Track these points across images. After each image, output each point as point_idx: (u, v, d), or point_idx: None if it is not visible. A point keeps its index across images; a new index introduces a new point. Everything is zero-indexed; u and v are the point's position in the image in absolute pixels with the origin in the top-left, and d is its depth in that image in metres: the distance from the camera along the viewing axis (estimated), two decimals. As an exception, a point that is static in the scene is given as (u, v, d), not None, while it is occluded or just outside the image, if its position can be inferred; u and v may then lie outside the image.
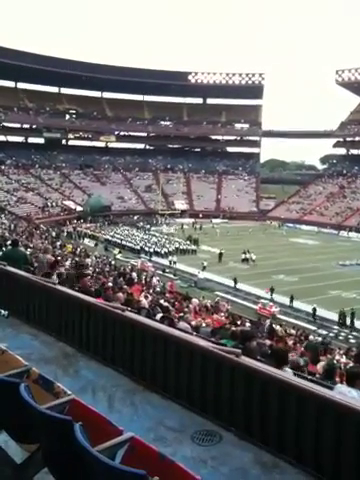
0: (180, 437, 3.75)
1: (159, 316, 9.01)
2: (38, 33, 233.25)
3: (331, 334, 24.85)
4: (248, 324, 20.11)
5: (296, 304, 29.07)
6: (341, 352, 18.37)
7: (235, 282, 33.45)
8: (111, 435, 2.57)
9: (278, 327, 21.83)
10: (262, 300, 29.30)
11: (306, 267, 38.30)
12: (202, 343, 4.46)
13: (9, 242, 26.45)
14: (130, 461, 2.38)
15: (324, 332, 24.80)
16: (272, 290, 30.91)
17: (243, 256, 41.40)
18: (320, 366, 9.38)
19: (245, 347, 5.40)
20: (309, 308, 28.02)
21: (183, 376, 4.43)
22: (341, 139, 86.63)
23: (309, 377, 6.91)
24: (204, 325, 12.00)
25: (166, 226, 64.15)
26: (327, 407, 3.44)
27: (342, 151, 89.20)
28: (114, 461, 2.38)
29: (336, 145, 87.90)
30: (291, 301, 29.34)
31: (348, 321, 26.29)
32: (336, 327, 26.08)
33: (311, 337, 20.86)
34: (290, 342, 16.78)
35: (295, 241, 55.14)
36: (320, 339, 20.92)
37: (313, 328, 25.29)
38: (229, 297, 30.34)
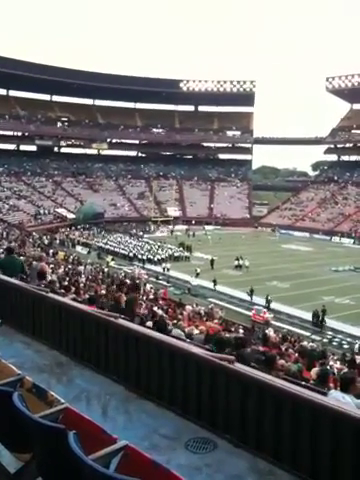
0: (174, 445, 3.74)
1: (150, 323, 8.99)
2: (30, 41, 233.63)
3: (325, 340, 24.87)
4: (242, 331, 20.11)
5: (290, 310, 29.11)
6: (335, 358, 18.40)
7: (214, 284, 34.08)
8: (105, 443, 2.56)
9: (272, 333, 21.83)
10: (256, 306, 29.32)
11: (299, 273, 38.41)
12: (196, 350, 4.46)
13: (1, 250, 26.37)
14: (124, 469, 2.37)
15: (318, 338, 24.82)
16: (252, 291, 31.49)
17: (236, 263, 41.48)
18: (314, 372, 9.38)
19: (239, 354, 5.40)
20: (304, 314, 28.12)
21: (177, 383, 4.42)
22: (332, 146, 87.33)
23: (303, 383, 6.90)
24: (197, 332, 11.97)
25: (160, 233, 64.26)
26: (322, 413, 3.44)
27: (333, 157, 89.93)
28: (109, 469, 2.37)
29: (327, 152, 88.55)
30: (267, 302, 30.15)
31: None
32: (330, 333, 26.11)
33: (305, 343, 20.87)
34: (284, 348, 16.77)
35: (288, 247, 55.32)
36: (314, 345, 20.93)
37: (307, 334, 25.31)
38: (223, 304, 30.32)
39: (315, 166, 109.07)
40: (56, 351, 5.71)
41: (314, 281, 35.82)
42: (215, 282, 34.11)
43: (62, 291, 10.06)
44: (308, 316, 28.01)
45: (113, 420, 4.02)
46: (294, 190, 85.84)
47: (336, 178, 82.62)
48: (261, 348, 12.65)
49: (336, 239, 63.05)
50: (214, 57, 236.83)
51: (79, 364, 5.35)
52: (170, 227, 67.63)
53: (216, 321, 21.73)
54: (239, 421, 3.93)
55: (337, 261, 44.00)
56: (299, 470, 3.48)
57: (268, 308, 29.68)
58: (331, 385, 7.88)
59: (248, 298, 31.73)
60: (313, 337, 24.75)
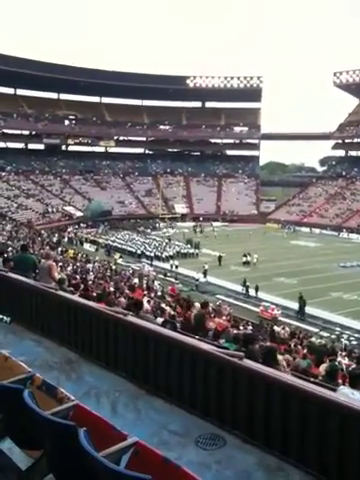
0: (184, 441, 3.75)
1: (160, 320, 9.01)
2: (36, 40, 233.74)
3: (333, 336, 24.79)
4: (250, 327, 20.09)
5: (297, 306, 29.03)
6: (343, 354, 18.33)
7: (205, 275, 35.61)
8: (115, 440, 2.58)
9: (280, 329, 21.79)
10: (263, 303, 29.27)
11: (307, 269, 38.25)
12: (205, 347, 4.47)
13: (10, 249, 26.53)
14: (135, 466, 2.38)
15: (326, 334, 24.75)
16: (245, 282, 32.44)
17: (244, 259, 41.41)
18: (322, 368, 9.35)
19: (248, 350, 5.41)
20: (310, 310, 28.07)
21: (186, 380, 4.43)
22: (340, 141, 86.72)
23: (312, 379, 6.89)
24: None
25: (171, 229, 64.44)
26: (331, 409, 3.44)
27: (341, 153, 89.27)
28: (119, 466, 2.38)
29: (335, 147, 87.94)
30: (256, 291, 31.50)
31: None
32: (338, 328, 26.03)
33: (313, 339, 20.83)
34: (292, 344, 16.74)
35: (295, 243, 55.11)
36: (323, 341, 20.87)
37: (315, 330, 25.24)
38: (231, 300, 30.30)
39: (323, 161, 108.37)
40: (66, 348, 5.75)
41: (322, 277, 35.66)
42: (205, 274, 35.78)
43: (71, 289, 10.11)
44: (316, 312, 27.95)
45: (122, 417, 4.05)
46: (302, 186, 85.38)
47: (344, 173, 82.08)
48: (269, 344, 12.61)
49: (344, 235, 62.69)
50: (221, 53, 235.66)
51: (88, 361, 5.38)
52: (178, 224, 67.55)
53: (224, 318, 21.71)
54: (248, 417, 3.94)
55: (345, 257, 43.74)
56: (308, 466, 3.49)
57: (247, 295, 31.91)
58: (340, 381, 7.86)
59: (242, 290, 32.97)
60: (321, 333, 24.67)
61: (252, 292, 32.13)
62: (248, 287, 32.48)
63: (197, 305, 21.91)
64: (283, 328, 22.39)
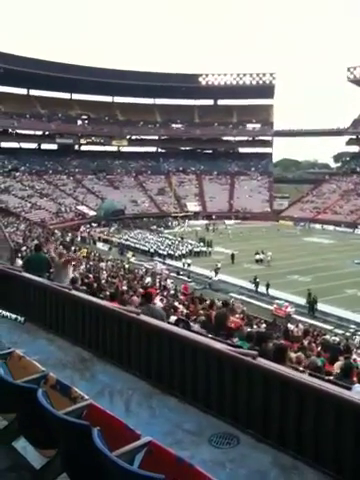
0: (198, 440, 3.75)
1: (173, 318, 9.02)
2: (48, 40, 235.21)
3: (347, 333, 24.60)
4: (263, 325, 20.01)
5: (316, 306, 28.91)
6: (359, 351, 18.17)
7: (216, 273, 35.54)
8: (129, 439, 2.58)
9: (293, 327, 21.68)
10: (277, 301, 29.14)
11: (321, 266, 38.02)
12: (218, 346, 4.45)
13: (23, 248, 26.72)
14: (148, 465, 2.38)
15: (340, 331, 24.56)
16: (255, 278, 32.66)
17: (257, 257, 41.27)
18: (337, 366, 9.28)
19: (261, 349, 5.38)
20: (325, 307, 27.94)
21: (200, 379, 4.43)
22: (354, 137, 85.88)
23: (326, 378, 6.85)
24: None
25: (187, 227, 64.58)
26: (346, 408, 3.41)
27: (355, 149, 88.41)
28: (132, 465, 2.39)
29: (349, 143, 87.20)
30: (267, 288, 31.48)
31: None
32: (353, 326, 25.84)
33: (327, 336, 20.68)
34: (306, 342, 16.64)
35: (309, 240, 54.78)
36: (337, 339, 20.72)
37: (330, 328, 25.08)
38: (244, 298, 30.22)
39: (337, 158, 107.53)
40: (79, 347, 5.77)
41: (336, 274, 35.41)
42: (216, 272, 35.73)
43: (84, 288, 10.17)
44: (331, 310, 27.77)
45: (136, 416, 4.05)
46: (315, 182, 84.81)
47: (358, 169, 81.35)
48: (283, 342, 12.56)
49: (359, 231, 62.16)
50: (233, 50, 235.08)
51: (102, 360, 5.40)
52: (186, 223, 67.54)
53: (238, 316, 21.66)
54: (262, 416, 3.92)
55: (360, 254, 43.37)
56: (323, 465, 3.46)
57: (256, 291, 32.09)
58: (355, 379, 7.79)
59: (253, 287, 33.00)
60: (336, 331, 24.50)
61: (261, 289, 32.20)
62: (258, 283, 32.51)
63: (209, 302, 21.94)
64: (297, 326, 22.27)
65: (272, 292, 31.56)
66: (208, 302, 22.04)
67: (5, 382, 3.12)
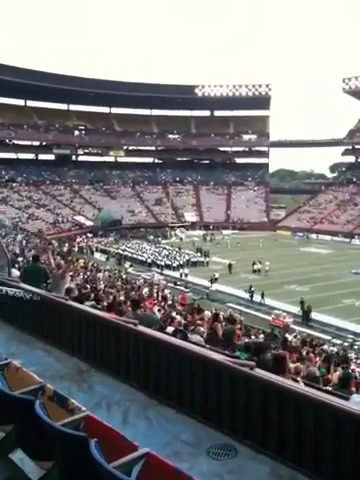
0: (196, 452, 3.73)
1: (171, 329, 8.98)
2: (45, 51, 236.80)
3: (345, 343, 24.56)
4: (261, 335, 19.97)
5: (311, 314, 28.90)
6: (359, 362, 18.15)
7: (211, 282, 35.83)
8: (126, 451, 2.58)
9: (292, 337, 21.63)
10: (275, 311, 29.11)
11: (318, 276, 38.05)
12: (216, 356, 4.45)
13: (20, 259, 26.67)
14: (146, 477, 2.38)
15: (338, 341, 24.53)
16: (250, 287, 32.77)
17: (255, 267, 41.31)
18: (335, 376, 9.27)
19: (259, 359, 5.37)
20: (323, 317, 27.94)
21: (198, 390, 4.41)
22: (350, 147, 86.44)
23: (324, 388, 6.84)
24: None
25: (184, 236, 64.64)
26: (344, 418, 3.40)
27: (351, 159, 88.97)
28: (130, 477, 2.38)
29: (345, 153, 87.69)
30: (262, 297, 31.66)
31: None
32: (351, 336, 25.81)
33: (325, 347, 20.65)
34: (304, 352, 16.61)
35: (307, 250, 54.88)
36: (335, 349, 20.69)
37: (328, 338, 25.04)
38: (241, 308, 30.17)
39: (333, 168, 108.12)
40: (76, 358, 5.75)
41: (334, 284, 35.44)
42: (212, 281, 36.08)
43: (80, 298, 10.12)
44: (328, 319, 27.75)
45: (134, 427, 4.03)
46: (312, 193, 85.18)
47: (355, 179, 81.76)
48: (278, 352, 12.52)
49: (356, 241, 62.35)
50: (229, 62, 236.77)
51: (99, 371, 5.38)
52: (183, 233, 67.61)
53: (236, 326, 21.59)
54: (260, 427, 3.91)
55: (357, 263, 43.38)
56: (322, 476, 3.45)
57: (251, 301, 32.22)
58: (353, 389, 7.78)
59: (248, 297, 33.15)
60: (334, 341, 24.46)
61: (256, 298, 32.35)
62: (253, 292, 32.66)
63: (207, 313, 21.92)
64: (295, 336, 22.23)
65: (269, 302, 31.57)
66: (210, 314, 22.01)
67: (2, 393, 3.11)
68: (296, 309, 29.41)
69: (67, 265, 12.07)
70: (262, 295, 31.78)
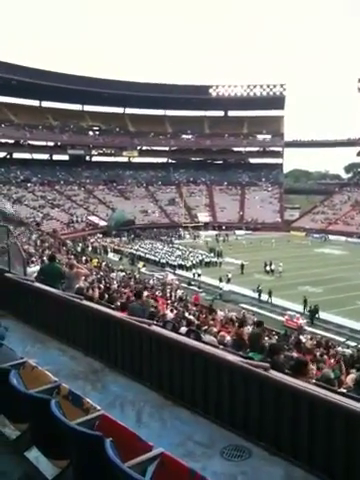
0: (209, 452, 3.73)
1: (184, 329, 8.98)
2: (59, 52, 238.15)
3: (360, 345, 24.33)
4: (275, 337, 19.87)
5: (323, 315, 28.68)
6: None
7: (220, 280, 36.13)
8: (141, 450, 2.58)
9: (306, 339, 21.50)
10: (289, 312, 28.95)
11: (333, 277, 37.76)
12: (230, 357, 4.44)
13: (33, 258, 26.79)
14: (161, 477, 2.38)
15: (353, 344, 24.29)
16: (258, 287, 33.15)
17: (267, 267, 41.15)
18: (350, 378, 9.19)
19: (273, 361, 5.35)
20: (337, 319, 27.75)
21: (211, 391, 4.41)
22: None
23: (339, 390, 6.78)
24: (229, 338, 11.87)
25: (197, 238, 64.63)
26: (358, 421, 3.38)
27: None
28: (145, 477, 2.38)
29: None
30: (269, 296, 32.05)
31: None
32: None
33: (340, 349, 20.49)
34: (318, 354, 16.50)
35: (321, 251, 54.48)
36: (349, 351, 20.51)
37: (342, 340, 24.82)
38: (255, 309, 30.07)
39: (348, 168, 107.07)
40: (91, 358, 5.78)
41: (348, 286, 35.12)
42: (221, 280, 36.31)
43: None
44: (343, 321, 27.53)
45: (148, 427, 4.04)
46: (327, 193, 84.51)
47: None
48: (295, 354, 12.47)
49: (371, 242, 61.71)
50: (243, 61, 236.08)
51: (113, 371, 5.40)
52: (201, 233, 67.56)
53: (249, 327, 21.52)
54: (274, 429, 3.89)
55: (372, 265, 42.99)
56: (335, 478, 3.42)
57: (259, 300, 32.39)
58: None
59: (256, 296, 33.28)
60: (348, 343, 24.24)
61: (264, 297, 32.56)
62: (261, 291, 32.84)
63: (220, 313, 21.89)
64: (311, 338, 22.09)
65: (279, 302, 31.77)
66: (223, 314, 21.99)
67: (18, 392, 3.14)
68: (301, 309, 29.50)
69: (80, 265, 12.09)
70: (269, 294, 32.01)
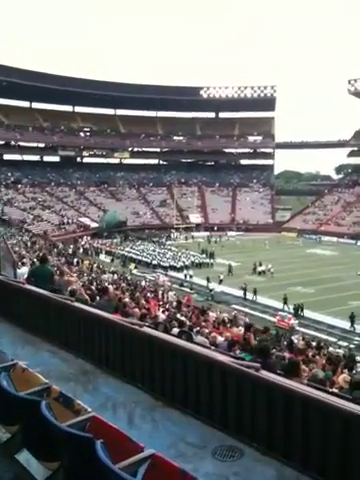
0: (201, 453, 3.71)
1: (176, 330, 8.98)
2: (50, 53, 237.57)
3: (351, 346, 24.46)
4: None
5: (316, 316, 28.81)
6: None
7: (208, 281, 36.45)
8: (132, 452, 2.57)
9: (298, 340, 21.54)
10: (280, 313, 29.05)
11: (324, 278, 37.96)
12: (221, 358, 4.43)
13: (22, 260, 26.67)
14: (152, 478, 2.37)
15: (345, 344, 24.43)
16: (244, 288, 33.72)
17: (259, 268, 41.27)
18: (341, 378, 9.22)
19: (264, 361, 5.35)
20: (328, 319, 27.87)
21: (203, 391, 4.40)
22: (355, 148, 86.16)
23: (330, 390, 6.80)
24: (222, 339, 11.89)
25: (186, 239, 64.59)
26: (352, 421, 3.38)
27: (357, 160, 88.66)
28: (136, 478, 2.37)
29: (350, 154, 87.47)
30: (254, 294, 32.91)
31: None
32: (357, 338, 25.69)
33: (331, 349, 20.56)
34: (310, 354, 16.54)
35: (312, 252, 54.75)
36: (341, 351, 20.59)
37: (334, 340, 24.94)
38: (246, 310, 30.13)
39: (338, 169, 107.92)
40: (82, 359, 5.75)
41: (340, 286, 35.33)
42: (208, 280, 36.71)
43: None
44: (334, 322, 27.65)
45: (139, 428, 4.02)
46: (317, 194, 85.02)
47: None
48: (287, 355, 12.49)
49: (362, 243, 62.09)
50: (234, 63, 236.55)
51: (104, 372, 5.37)
52: (192, 234, 67.64)
53: (241, 328, 21.53)
54: (266, 429, 3.89)
55: (363, 265, 43.23)
56: (327, 478, 3.42)
57: (244, 298, 32.99)
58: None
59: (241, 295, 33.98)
60: (340, 343, 24.37)
61: (249, 295, 33.13)
62: (246, 289, 33.37)
63: (212, 314, 21.89)
64: (303, 339, 22.14)
65: (265, 301, 32.43)
66: (214, 315, 21.98)
67: (8, 394, 3.11)
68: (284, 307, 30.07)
69: (71, 274, 11.99)
70: (254, 292, 32.72)
